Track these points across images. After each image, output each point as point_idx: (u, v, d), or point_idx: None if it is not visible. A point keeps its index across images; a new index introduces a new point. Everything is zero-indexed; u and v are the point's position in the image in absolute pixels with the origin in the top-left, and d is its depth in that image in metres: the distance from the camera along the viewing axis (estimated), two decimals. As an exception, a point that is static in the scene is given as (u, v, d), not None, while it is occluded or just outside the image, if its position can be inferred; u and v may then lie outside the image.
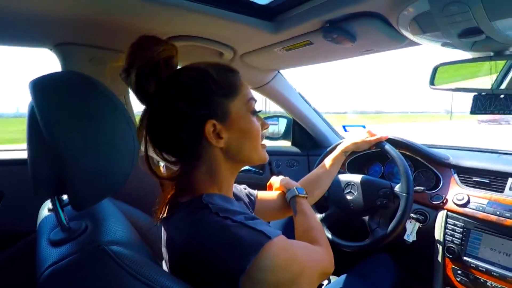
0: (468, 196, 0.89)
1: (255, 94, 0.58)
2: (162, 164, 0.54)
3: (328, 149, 1.09)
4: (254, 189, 0.77)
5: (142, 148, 0.50)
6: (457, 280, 0.85)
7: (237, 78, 0.51)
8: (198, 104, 0.47)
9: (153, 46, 0.48)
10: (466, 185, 0.94)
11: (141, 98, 0.49)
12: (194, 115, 0.47)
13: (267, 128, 0.57)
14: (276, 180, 0.83)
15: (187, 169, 0.51)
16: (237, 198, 0.66)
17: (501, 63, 0.64)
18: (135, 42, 0.49)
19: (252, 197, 0.73)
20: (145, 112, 0.49)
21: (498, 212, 0.81)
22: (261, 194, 0.77)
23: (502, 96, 0.63)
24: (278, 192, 0.80)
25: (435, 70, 0.74)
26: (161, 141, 0.50)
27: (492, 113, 0.65)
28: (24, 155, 1.07)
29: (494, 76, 0.64)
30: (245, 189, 0.74)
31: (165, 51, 0.48)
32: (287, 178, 0.82)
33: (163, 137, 0.50)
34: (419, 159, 1.07)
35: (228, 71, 0.51)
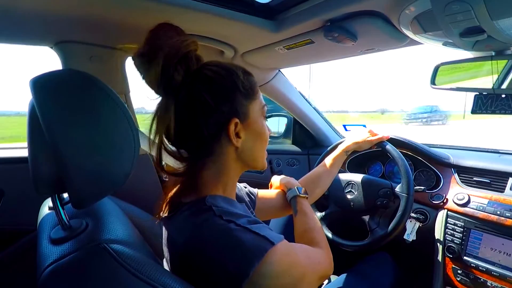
0: (468, 195, 0.89)
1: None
2: (163, 163, 0.53)
3: (328, 148, 1.09)
4: (255, 188, 0.77)
5: (145, 145, 0.50)
6: (457, 279, 0.85)
7: (256, 83, 0.53)
8: (223, 100, 0.47)
9: (178, 35, 0.47)
10: (467, 185, 0.94)
11: (163, 87, 0.46)
12: (219, 111, 0.47)
13: (269, 133, 0.58)
14: (276, 180, 0.83)
15: (196, 166, 0.51)
16: (239, 198, 0.66)
17: (502, 63, 0.63)
18: (158, 28, 0.47)
19: (252, 196, 0.73)
20: (165, 103, 0.46)
21: (498, 212, 0.81)
22: (261, 193, 0.77)
23: (503, 95, 0.63)
24: (278, 191, 0.80)
25: (436, 69, 0.73)
26: (179, 135, 0.48)
27: (493, 112, 0.65)
28: (24, 153, 1.07)
29: (495, 76, 0.64)
30: (245, 187, 0.74)
31: (193, 43, 0.48)
32: (288, 177, 0.82)
33: (183, 130, 0.48)
34: (420, 158, 1.07)
35: (249, 75, 0.52)
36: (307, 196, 0.75)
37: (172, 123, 0.46)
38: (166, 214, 0.51)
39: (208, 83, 0.47)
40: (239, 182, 0.71)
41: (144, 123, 0.48)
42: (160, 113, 0.46)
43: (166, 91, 0.47)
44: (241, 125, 0.49)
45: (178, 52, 0.46)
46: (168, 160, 0.52)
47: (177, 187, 0.53)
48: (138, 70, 0.48)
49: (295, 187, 0.75)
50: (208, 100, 0.46)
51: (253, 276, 0.38)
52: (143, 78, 0.47)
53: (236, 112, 0.48)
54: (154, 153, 0.50)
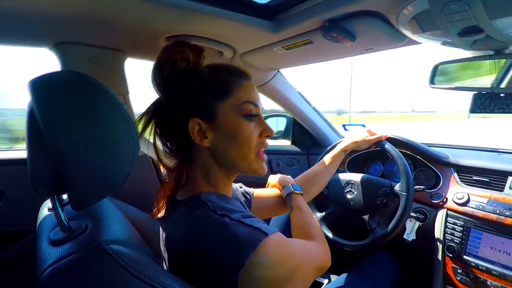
0: (468, 195, 0.89)
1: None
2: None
3: (328, 148, 1.09)
4: (253, 188, 0.77)
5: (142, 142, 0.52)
6: (457, 279, 0.85)
7: (232, 81, 0.51)
8: (185, 102, 0.50)
9: (169, 49, 0.53)
10: (466, 184, 0.94)
11: (156, 92, 0.54)
12: (180, 112, 0.50)
13: (269, 135, 0.54)
14: (273, 178, 0.83)
15: (184, 164, 0.54)
16: (234, 198, 0.66)
17: (500, 62, 0.63)
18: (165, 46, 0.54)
19: (248, 196, 0.73)
20: (153, 103, 0.53)
21: (498, 211, 0.81)
22: (257, 192, 0.77)
23: (502, 95, 0.63)
24: (274, 189, 0.80)
25: (435, 69, 0.73)
26: (162, 133, 0.54)
27: (492, 112, 0.65)
28: (24, 154, 1.07)
29: (494, 75, 0.64)
30: (240, 187, 0.74)
31: (178, 53, 0.52)
32: (284, 175, 0.82)
33: (162, 129, 0.53)
34: (419, 158, 1.07)
35: (225, 73, 0.51)
36: (301, 192, 0.75)
37: (155, 122, 0.53)
38: (162, 214, 0.52)
39: (177, 87, 0.50)
40: (237, 182, 0.71)
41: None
42: (147, 111, 0.53)
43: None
44: (207, 125, 0.49)
45: (159, 64, 0.52)
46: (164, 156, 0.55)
47: (172, 185, 0.54)
48: None
49: (290, 184, 0.75)
50: (173, 103, 0.50)
51: (248, 266, 0.39)
52: None
53: (196, 112, 0.49)
54: (151, 153, 0.52)
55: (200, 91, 0.49)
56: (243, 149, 0.51)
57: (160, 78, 0.51)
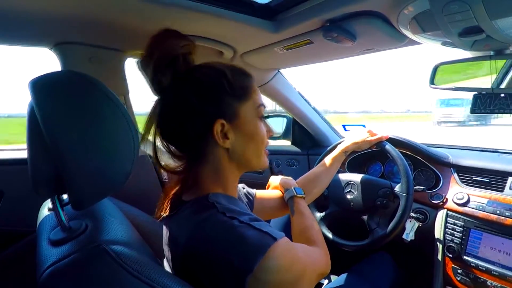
0: (468, 195, 0.89)
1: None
2: (162, 163, 0.54)
3: (328, 149, 1.09)
4: (254, 188, 0.77)
5: (149, 139, 0.51)
6: (457, 279, 0.85)
7: (251, 83, 0.52)
8: (209, 102, 0.48)
9: (173, 40, 0.49)
10: (466, 184, 0.94)
11: (155, 88, 0.50)
12: (204, 112, 0.48)
13: (272, 135, 0.58)
14: (275, 180, 0.83)
15: (192, 165, 0.52)
16: (238, 199, 0.66)
17: (501, 62, 0.64)
18: (156, 34, 0.49)
19: (250, 197, 0.73)
20: (157, 103, 0.50)
21: (498, 211, 0.81)
22: (259, 193, 0.77)
23: (502, 95, 0.63)
24: (276, 191, 0.80)
25: (435, 69, 0.74)
26: (170, 134, 0.51)
27: (492, 112, 0.65)
28: (24, 154, 1.07)
29: (494, 75, 0.64)
30: (243, 188, 0.74)
31: (185, 47, 0.49)
32: (286, 177, 0.82)
33: (172, 130, 0.51)
34: (419, 158, 1.07)
35: (243, 75, 0.52)
36: (304, 196, 0.75)
37: (153, 122, 0.50)
38: (167, 214, 0.51)
39: (195, 85, 0.48)
40: (238, 182, 0.71)
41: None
42: (151, 113, 0.50)
43: (157, 93, 0.50)
44: (229, 126, 0.49)
45: (167, 56, 0.48)
46: (166, 160, 0.53)
47: (177, 186, 0.53)
48: (141, 74, 0.51)
49: (292, 188, 0.75)
50: (194, 101, 0.47)
51: (257, 271, 0.39)
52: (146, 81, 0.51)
53: (221, 113, 0.48)
54: (150, 152, 0.51)
55: (225, 91, 0.49)
56: (259, 148, 0.54)
57: (171, 75, 0.48)
